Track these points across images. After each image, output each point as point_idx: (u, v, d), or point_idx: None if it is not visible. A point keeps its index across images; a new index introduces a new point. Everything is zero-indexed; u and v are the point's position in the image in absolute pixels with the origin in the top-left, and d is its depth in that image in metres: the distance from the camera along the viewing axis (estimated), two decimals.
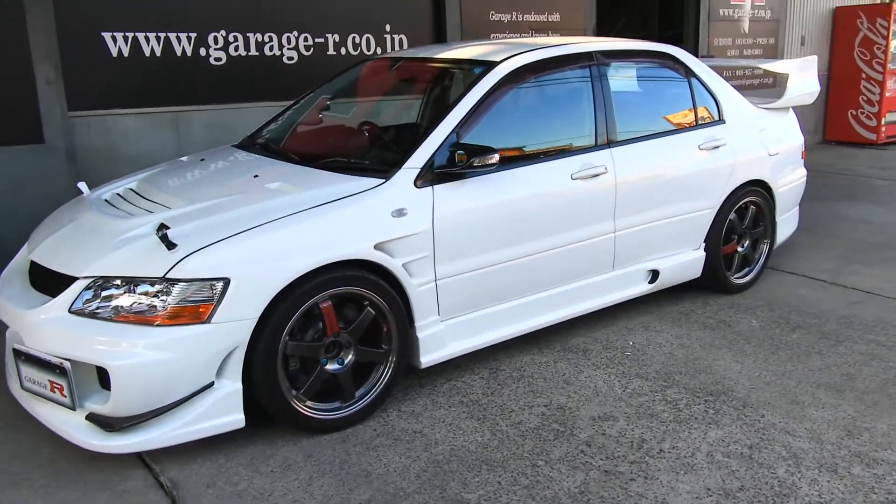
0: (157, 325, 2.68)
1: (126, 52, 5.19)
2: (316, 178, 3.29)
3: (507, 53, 3.74)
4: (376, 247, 3.04)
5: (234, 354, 2.77)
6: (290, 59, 5.92)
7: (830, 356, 3.78)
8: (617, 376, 3.57)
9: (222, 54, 5.60)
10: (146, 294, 2.71)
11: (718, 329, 4.13)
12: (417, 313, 3.25)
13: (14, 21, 4.65)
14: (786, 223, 4.97)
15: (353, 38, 6.27)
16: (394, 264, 3.09)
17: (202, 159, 3.89)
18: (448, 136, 3.32)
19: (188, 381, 2.71)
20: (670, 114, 4.31)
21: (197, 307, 2.70)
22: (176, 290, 2.70)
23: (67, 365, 2.67)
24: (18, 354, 2.84)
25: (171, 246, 2.77)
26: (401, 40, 6.55)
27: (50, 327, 2.75)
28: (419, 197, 3.20)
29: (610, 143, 3.88)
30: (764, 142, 4.61)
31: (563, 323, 4.04)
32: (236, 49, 5.66)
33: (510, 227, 3.49)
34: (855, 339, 3.98)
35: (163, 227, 2.84)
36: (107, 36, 5.11)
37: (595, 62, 3.95)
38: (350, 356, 3.08)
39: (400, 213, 3.13)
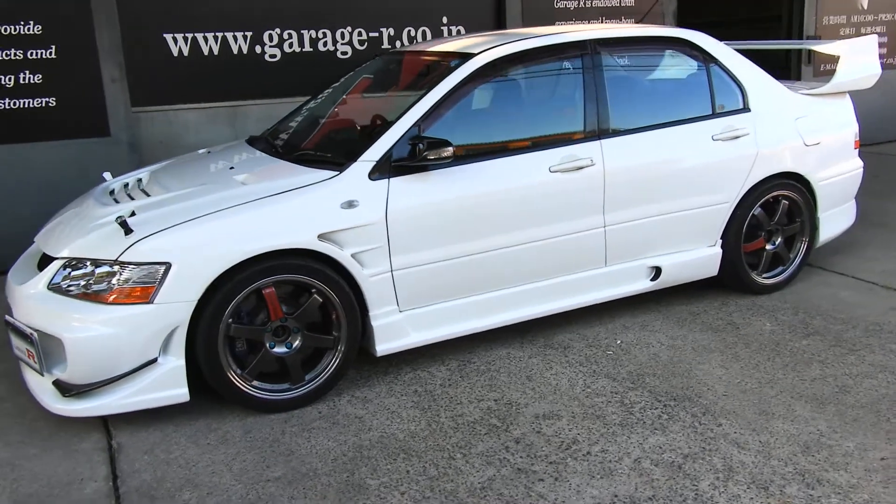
0: (109, 304, 2.95)
1: (186, 52, 5.62)
2: (282, 170, 3.45)
3: (491, 45, 3.72)
4: (321, 237, 3.15)
5: (176, 333, 2.99)
6: (343, 53, 6.15)
7: (833, 366, 3.46)
8: (585, 375, 3.48)
9: (277, 51, 5.91)
10: (104, 275, 2.99)
11: (723, 331, 3.89)
12: (371, 303, 3.33)
13: (82, 24, 5.17)
14: (832, 220, 4.55)
15: (409, 31, 6.40)
16: (341, 254, 3.20)
17: (208, 152, 4.17)
18: (409, 129, 3.37)
19: (133, 355, 2.96)
20: (681, 103, 4.08)
21: (142, 288, 2.94)
22: (125, 272, 2.95)
23: (35, 335, 3.00)
24: (7, 324, 3.22)
25: (128, 231, 3.03)
26: (458, 32, 6.59)
27: (29, 301, 3.10)
28: (372, 189, 3.27)
29: (601, 135, 3.75)
30: (800, 131, 4.25)
31: (557, 318, 3.98)
32: (290, 46, 5.95)
33: (477, 220, 3.48)
34: (874, 348, 3.62)
35: (134, 213, 3.12)
36: (168, 37, 5.56)
37: (589, 51, 3.82)
38: (298, 341, 3.22)
39: (350, 204, 3.22)
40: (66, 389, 2.99)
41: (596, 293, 3.91)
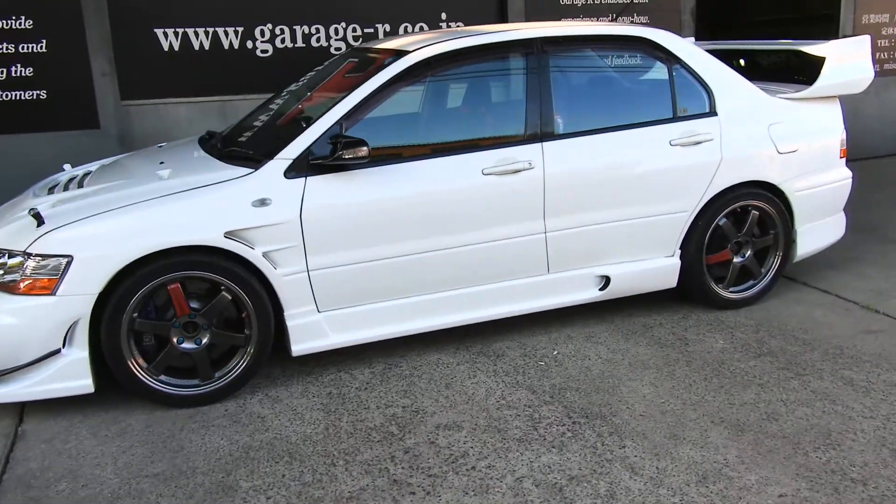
0: (18, 294, 3.01)
1: (176, 47, 5.71)
2: (205, 166, 3.45)
3: (431, 42, 3.62)
4: (229, 234, 3.13)
5: (79, 325, 3.02)
6: (337, 49, 6.13)
7: (772, 390, 3.24)
8: (506, 386, 3.35)
9: (269, 46, 5.94)
10: (15, 265, 3.04)
11: (669, 347, 3.70)
12: (286, 302, 3.30)
13: (72, 19, 5.32)
14: (813, 233, 4.26)
15: (406, 27, 6.34)
16: (251, 253, 3.17)
17: (160, 146, 4.22)
18: (329, 128, 3.31)
19: (36, 345, 3.01)
20: (638, 106, 3.90)
21: (47, 280, 2.99)
22: (31, 263, 3.00)
23: None
24: None
25: (40, 223, 3.08)
26: (457, 27, 6.48)
27: None
28: (287, 187, 3.23)
29: (543, 138, 3.61)
30: (774, 137, 4.00)
31: (500, 325, 3.88)
32: (283, 41, 5.98)
33: (401, 223, 3.40)
34: (824, 373, 3.37)
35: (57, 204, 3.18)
36: (158, 31, 5.65)
37: (534, 51, 3.68)
38: (206, 338, 3.21)
39: (262, 202, 3.19)
40: None
41: (537, 301, 3.77)
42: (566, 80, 3.76)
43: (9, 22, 5.18)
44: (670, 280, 3.99)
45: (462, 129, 3.63)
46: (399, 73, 3.45)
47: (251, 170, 3.27)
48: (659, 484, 2.62)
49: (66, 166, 4.11)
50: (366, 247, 3.36)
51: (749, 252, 4.12)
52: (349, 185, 3.31)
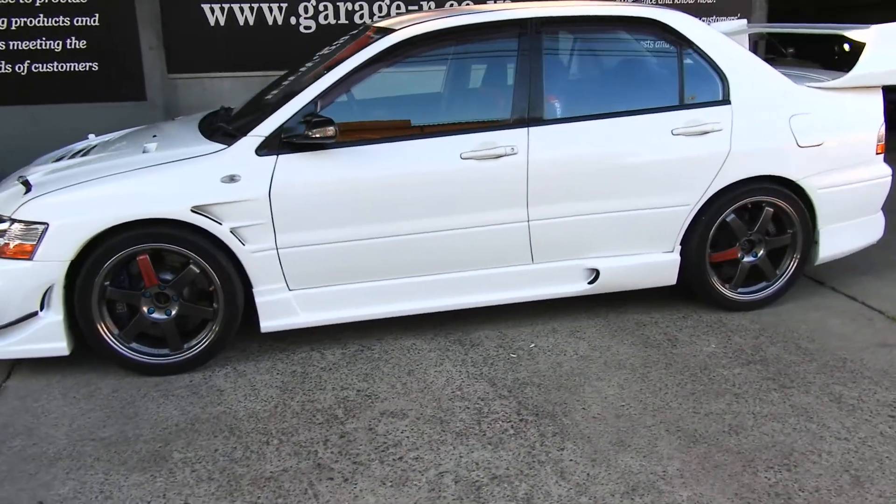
0: (3, 257, 3.19)
1: (222, 21, 5.86)
2: (188, 141, 3.52)
3: (421, 21, 3.54)
4: (195, 209, 3.19)
5: (54, 290, 3.17)
6: None
7: (746, 401, 3.02)
8: (468, 376, 3.29)
9: (312, 22, 6.01)
10: (3, 230, 3.22)
11: (655, 347, 3.51)
12: (255, 279, 3.34)
13: None
14: (840, 235, 3.91)
15: (451, 3, 6.24)
16: (217, 228, 3.22)
17: (175, 120, 4.34)
18: (304, 106, 3.31)
19: (15, 307, 3.18)
20: (640, 92, 3.69)
21: (28, 245, 3.15)
22: (15, 228, 3.17)
23: None
24: None
25: (28, 191, 3.26)
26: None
27: None
28: (258, 165, 3.26)
29: (530, 122, 3.47)
30: (795, 129, 3.69)
31: (485, 313, 3.80)
32: (325, 17, 6.02)
33: (374, 204, 3.36)
34: (812, 387, 3.11)
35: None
36: (205, 6, 5.82)
37: (528, 32, 3.52)
38: (175, 309, 3.31)
39: (232, 179, 3.24)
40: None
41: (520, 292, 3.65)
42: (561, 64, 3.60)
43: None
44: (669, 277, 3.78)
45: (444, 112, 3.55)
46: (379, 52, 3.40)
47: (225, 146, 3.31)
48: (582, 492, 2.50)
49: (91, 135, 4.31)
50: (337, 227, 3.35)
51: (762, 252, 3.84)
52: (322, 165, 3.30)
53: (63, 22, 5.50)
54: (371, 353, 3.54)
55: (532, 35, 3.53)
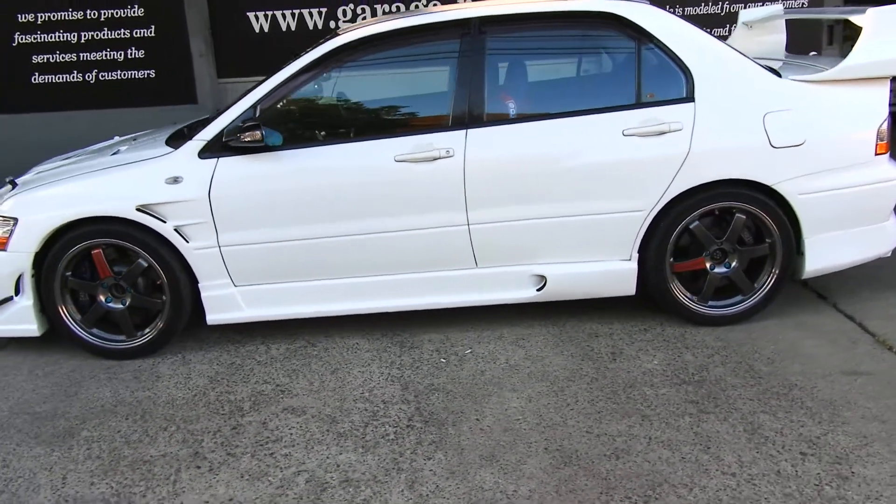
0: None
1: (266, 28, 6.19)
2: (149, 146, 3.76)
3: (363, 25, 3.58)
4: (141, 208, 3.42)
5: (24, 278, 3.54)
6: None
7: (650, 425, 2.82)
8: (385, 378, 3.30)
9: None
10: None
11: (592, 360, 3.34)
12: (200, 275, 3.54)
13: (175, 6, 6.00)
14: (833, 245, 3.51)
15: None
16: (162, 226, 3.44)
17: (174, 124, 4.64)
18: (245, 111, 3.45)
19: None
20: (591, 90, 3.53)
21: (2, 237, 3.53)
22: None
23: None
24: None
25: (13, 188, 3.65)
26: None
27: None
28: (200, 167, 3.45)
29: (469, 125, 3.41)
30: (769, 128, 3.36)
31: (441, 315, 3.78)
32: (364, 20, 6.15)
33: (310, 206, 3.44)
34: (734, 414, 2.84)
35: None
36: (251, 14, 6.16)
37: (471, 32, 3.45)
38: (129, 300, 3.58)
39: (175, 180, 3.44)
40: None
41: (464, 296, 3.60)
42: (506, 64, 3.51)
43: (126, 11, 6.00)
44: (626, 287, 3.56)
45: (383, 115, 3.56)
46: (318, 57, 3.47)
47: (173, 150, 3.53)
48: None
49: (115, 137, 4.72)
50: (275, 227, 3.47)
51: (735, 263, 3.52)
52: (259, 168, 3.43)
53: (124, 34, 6.03)
54: (313, 349, 3.63)
55: (475, 35, 3.45)
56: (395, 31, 3.51)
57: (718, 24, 6.18)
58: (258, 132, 3.29)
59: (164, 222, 3.45)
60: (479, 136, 3.40)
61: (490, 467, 2.62)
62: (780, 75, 3.48)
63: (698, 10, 6.20)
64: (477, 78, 3.42)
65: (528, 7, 3.52)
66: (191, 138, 3.51)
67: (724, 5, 6.24)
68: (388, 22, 3.54)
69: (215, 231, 3.47)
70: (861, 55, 3.35)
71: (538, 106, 3.48)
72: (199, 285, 3.56)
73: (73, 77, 6.14)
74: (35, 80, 6.20)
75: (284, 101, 3.51)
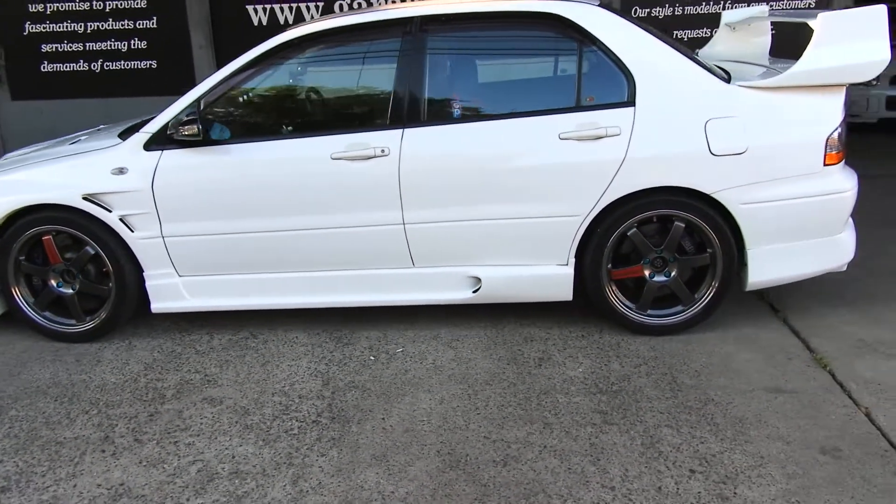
0: None
1: (265, 21, 6.28)
2: (104, 137, 3.88)
3: (309, 22, 3.62)
4: (87, 197, 3.53)
5: None
6: None
7: (548, 434, 2.79)
8: (309, 373, 3.34)
9: None
10: None
11: (518, 365, 3.31)
12: (145, 264, 3.64)
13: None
14: (780, 258, 3.39)
15: None
16: (107, 215, 3.55)
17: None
18: (189, 104, 3.52)
19: None
20: (530, 92, 3.47)
21: None
22: None
23: None
24: None
25: None
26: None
27: None
28: (144, 159, 3.54)
29: (406, 124, 3.41)
30: (709, 134, 3.27)
31: (379, 312, 3.82)
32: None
33: (247, 200, 3.50)
34: (636, 428, 2.79)
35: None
36: (250, 8, 6.26)
37: (411, 31, 3.45)
38: (77, 286, 3.70)
39: (120, 171, 3.54)
40: None
41: (401, 295, 3.61)
42: (445, 64, 3.49)
43: (129, 2, 6.16)
44: (563, 292, 3.52)
45: (323, 112, 3.59)
46: (261, 53, 3.51)
47: (122, 141, 3.63)
48: (296, 500, 2.49)
49: (101, 126, 4.87)
50: (214, 220, 3.54)
51: (675, 272, 3.44)
52: (199, 160, 3.50)
53: (128, 25, 6.20)
54: (253, 341, 3.69)
55: (416, 34, 3.45)
56: (337, 29, 3.53)
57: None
58: (195, 126, 3.36)
59: (110, 211, 3.55)
60: (416, 136, 3.40)
61: (377, 467, 2.64)
62: (729, 81, 3.37)
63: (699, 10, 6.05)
64: (416, 77, 3.42)
65: (470, 7, 3.50)
66: (138, 130, 3.60)
67: (726, 4, 6.08)
68: (332, 19, 3.57)
69: (159, 221, 3.56)
70: (808, 62, 3.22)
71: (477, 107, 3.46)
72: (144, 274, 3.66)
73: (80, 66, 6.35)
74: (44, 68, 6.43)
75: (227, 96, 3.56)
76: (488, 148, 3.39)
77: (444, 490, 2.50)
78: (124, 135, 3.75)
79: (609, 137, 3.30)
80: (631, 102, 3.33)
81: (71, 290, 3.71)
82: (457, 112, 3.47)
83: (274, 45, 3.52)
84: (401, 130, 3.41)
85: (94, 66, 6.35)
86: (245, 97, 3.60)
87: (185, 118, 3.40)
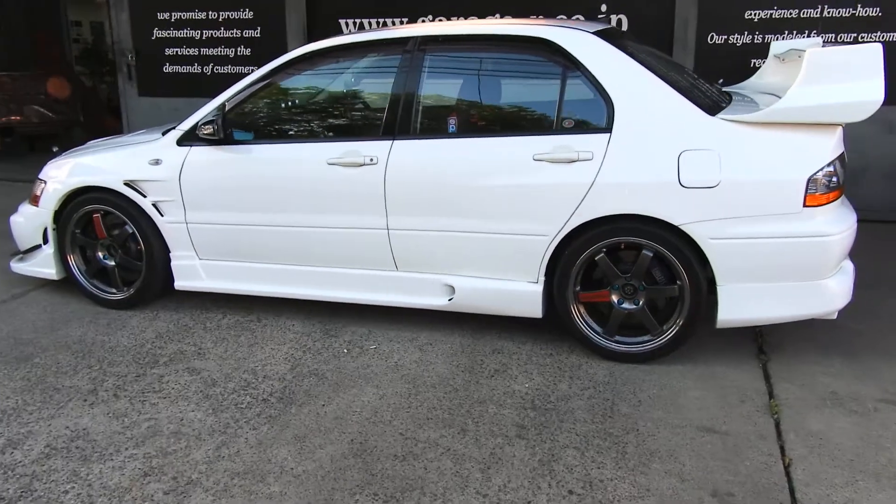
0: (30, 204, 4.46)
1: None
2: (153, 133, 4.40)
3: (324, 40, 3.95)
4: (127, 183, 4.06)
5: (48, 230, 4.34)
6: None
7: (457, 439, 2.91)
8: (284, 358, 3.64)
9: None
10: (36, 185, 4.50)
11: (471, 374, 3.44)
12: (171, 245, 4.12)
13: (277, 11, 6.74)
14: (753, 298, 3.28)
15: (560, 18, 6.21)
16: (142, 200, 4.06)
17: None
18: (217, 107, 3.96)
19: (29, 239, 4.43)
20: (513, 113, 3.57)
21: (37, 195, 4.36)
22: (38, 184, 4.41)
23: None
24: None
25: (55, 156, 4.49)
26: (619, 21, 6.11)
27: None
28: (176, 152, 4.01)
29: (396, 136, 3.65)
30: (682, 165, 3.24)
31: (374, 310, 4.07)
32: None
33: (255, 196, 3.87)
34: (544, 447, 2.85)
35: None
36: (342, 21, 6.73)
37: (410, 50, 3.68)
38: (118, 259, 4.25)
39: (156, 162, 4.04)
40: (16, 254, 4.63)
41: (384, 295, 3.84)
42: (439, 82, 3.67)
43: (237, 13, 6.83)
44: (532, 309, 3.60)
45: (326, 120, 3.88)
46: (279, 65, 3.89)
47: (161, 136, 4.13)
48: (210, 463, 2.79)
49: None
50: (226, 211, 3.94)
51: (642, 301, 3.43)
52: (218, 158, 3.92)
53: (235, 34, 6.86)
54: (255, 325, 4.06)
55: (414, 53, 3.67)
56: (345, 45, 3.84)
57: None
58: (209, 127, 3.78)
59: (145, 197, 4.06)
60: (403, 148, 3.62)
61: (292, 446, 2.88)
62: (714, 113, 3.31)
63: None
64: (409, 92, 3.64)
65: (467, 29, 3.68)
66: (175, 128, 4.09)
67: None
68: (343, 37, 3.87)
69: (183, 208, 4.02)
70: (793, 99, 3.11)
71: (463, 124, 3.61)
72: (171, 254, 4.14)
73: (195, 69, 7.10)
74: (166, 69, 7.26)
75: (246, 102, 3.96)
76: (466, 163, 3.54)
77: (336, 474, 2.70)
78: (167, 132, 4.26)
79: (581, 161, 3.35)
80: (608, 129, 3.36)
81: (113, 263, 4.26)
82: (443, 127, 3.64)
83: (289, 59, 3.88)
84: (390, 141, 3.64)
85: (205, 69, 7.08)
86: (260, 103, 3.98)
87: (210, 118, 3.83)
